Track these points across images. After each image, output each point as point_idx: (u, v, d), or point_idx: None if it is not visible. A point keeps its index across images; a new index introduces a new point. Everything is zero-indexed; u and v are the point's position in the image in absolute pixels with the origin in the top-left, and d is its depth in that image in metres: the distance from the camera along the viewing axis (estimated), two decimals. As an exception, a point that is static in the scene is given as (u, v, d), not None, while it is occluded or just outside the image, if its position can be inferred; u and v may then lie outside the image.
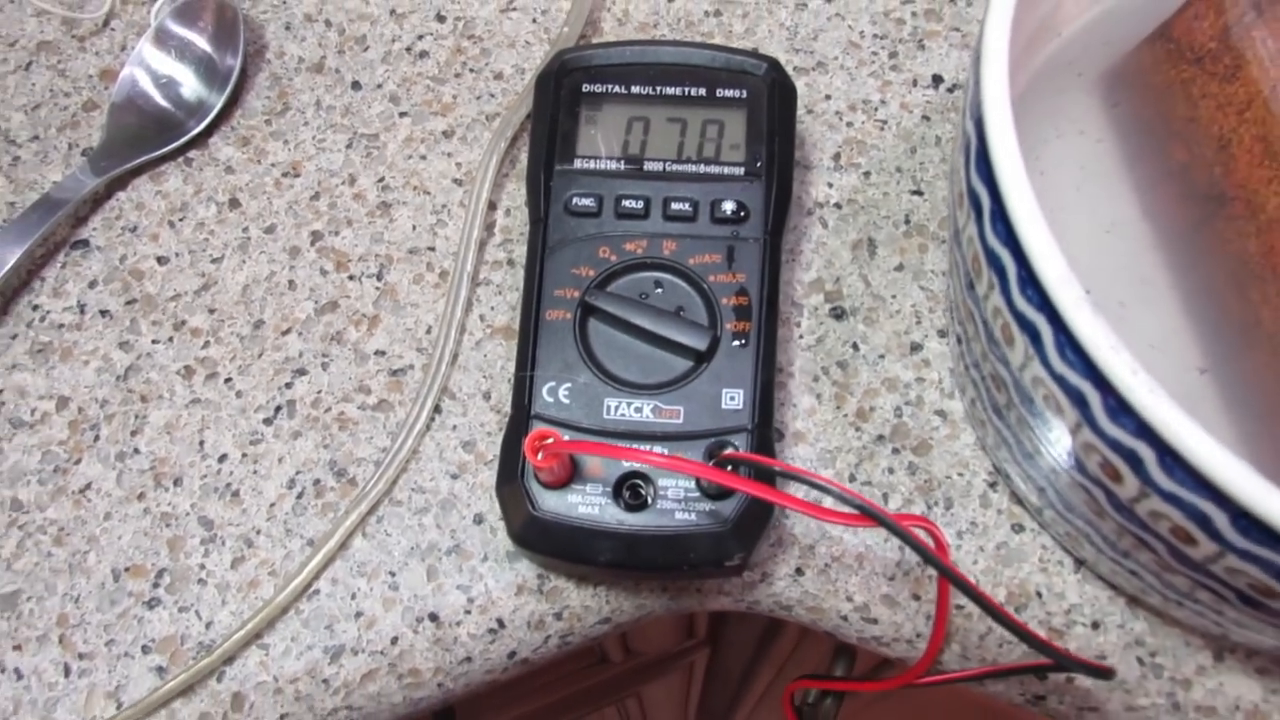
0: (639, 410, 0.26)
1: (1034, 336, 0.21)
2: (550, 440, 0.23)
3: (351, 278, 0.33)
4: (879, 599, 0.29)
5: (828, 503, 0.28)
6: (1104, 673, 0.23)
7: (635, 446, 0.25)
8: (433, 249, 0.33)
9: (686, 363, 0.27)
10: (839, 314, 0.32)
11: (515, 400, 0.27)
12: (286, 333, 0.32)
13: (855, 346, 0.31)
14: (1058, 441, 0.22)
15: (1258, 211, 0.26)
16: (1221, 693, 0.27)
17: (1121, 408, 0.19)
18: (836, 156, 0.34)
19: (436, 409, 0.31)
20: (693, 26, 0.36)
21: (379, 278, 0.33)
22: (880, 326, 0.31)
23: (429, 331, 0.32)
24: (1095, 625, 0.28)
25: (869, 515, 0.22)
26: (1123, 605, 0.28)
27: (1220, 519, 0.18)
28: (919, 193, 0.33)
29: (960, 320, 0.26)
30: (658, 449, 0.26)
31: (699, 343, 0.26)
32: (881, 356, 0.31)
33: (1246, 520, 0.18)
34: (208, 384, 0.31)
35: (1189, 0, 0.28)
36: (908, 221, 0.33)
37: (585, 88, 0.30)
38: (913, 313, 0.32)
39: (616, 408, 0.26)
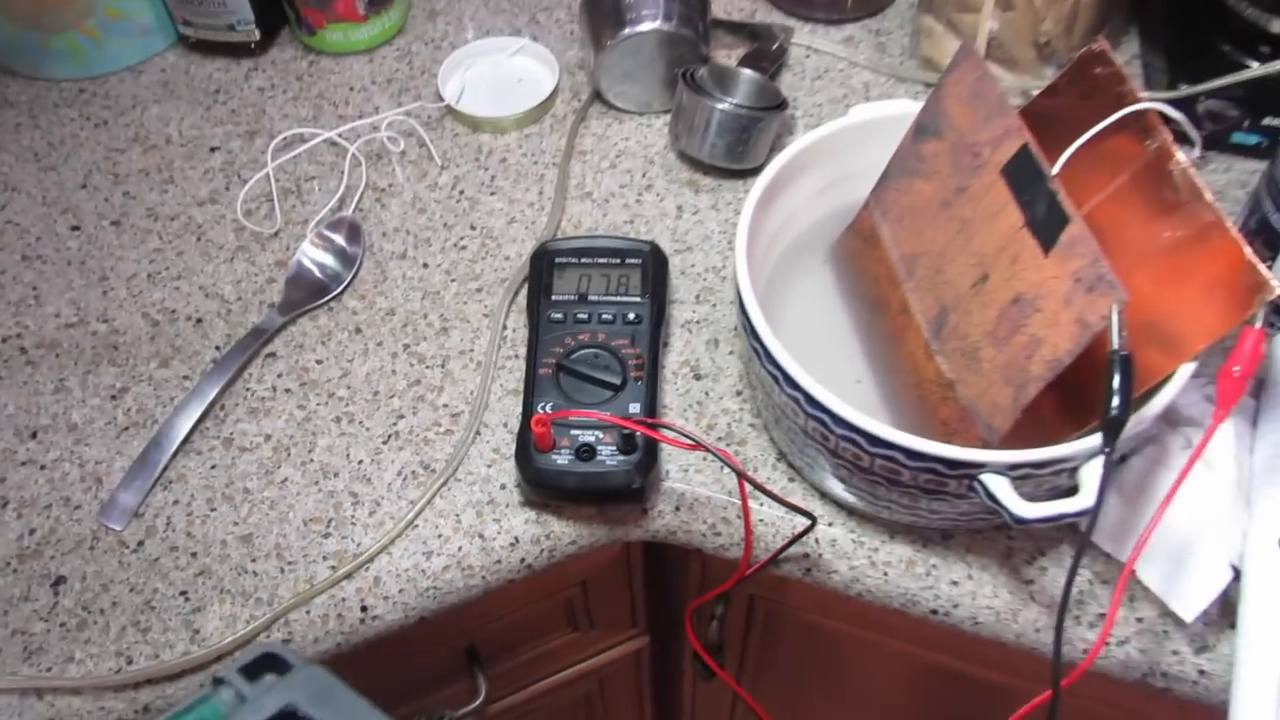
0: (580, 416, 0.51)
1: (776, 381, 0.46)
2: (544, 419, 0.48)
3: (428, 367, 0.59)
4: (719, 520, 0.53)
5: (681, 441, 0.53)
6: (812, 518, 0.48)
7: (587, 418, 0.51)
8: (472, 350, 0.59)
9: (610, 392, 0.52)
10: (697, 377, 0.58)
11: (524, 413, 0.52)
12: (392, 397, 0.57)
13: (706, 393, 0.57)
14: (794, 418, 0.47)
15: (888, 309, 0.53)
16: (893, 553, 0.51)
17: (810, 401, 0.44)
18: (697, 296, 0.61)
19: (478, 432, 0.56)
20: (617, 228, 0.64)
21: (443, 367, 0.59)
22: (719, 383, 0.57)
23: (472, 393, 0.57)
24: (830, 525, 0.52)
25: (701, 443, 0.47)
26: (837, 510, 0.52)
27: (839, 432, 0.44)
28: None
29: (753, 378, 0.52)
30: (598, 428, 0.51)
31: (617, 380, 0.52)
32: (720, 397, 0.57)
33: (849, 427, 0.43)
34: (350, 425, 0.56)
35: (860, 213, 0.56)
36: (735, 330, 0.60)
37: (557, 260, 0.57)
38: (737, 375, 0.58)
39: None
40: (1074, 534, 0.50)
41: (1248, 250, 0.41)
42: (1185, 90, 0.62)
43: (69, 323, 0.61)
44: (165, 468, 0.54)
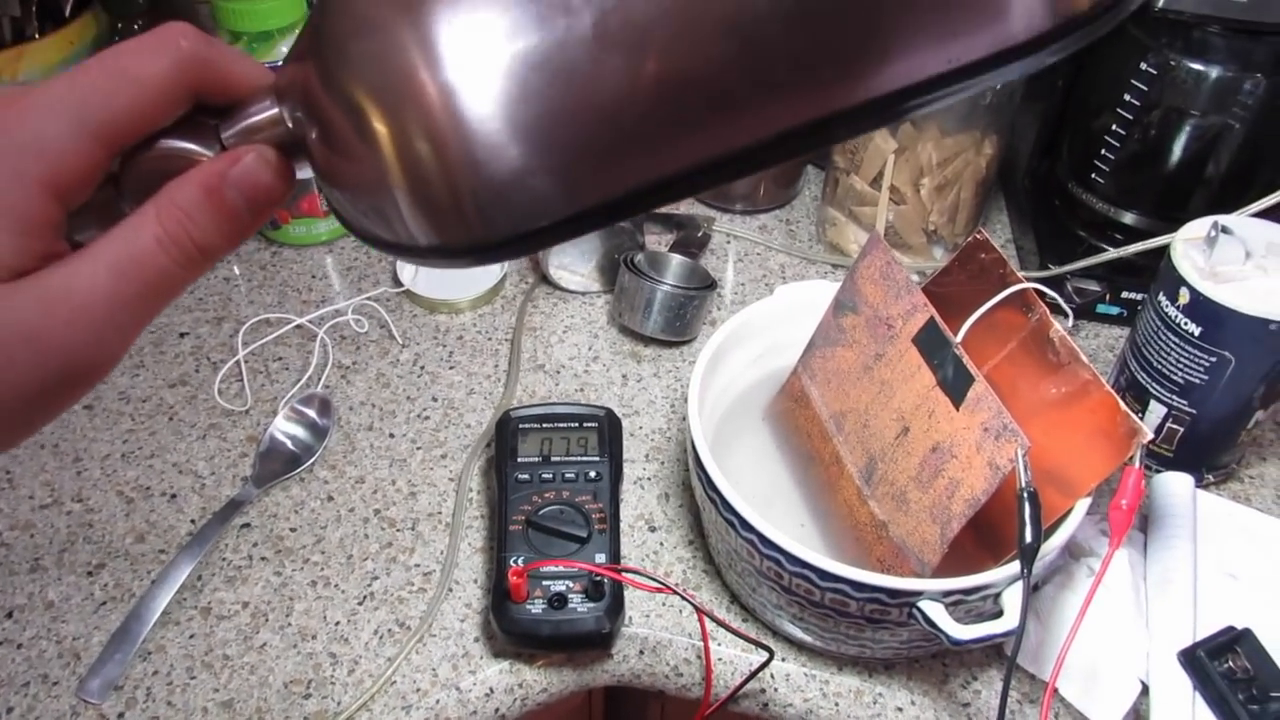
0: (556, 566, 0.55)
1: (733, 526, 0.51)
2: (520, 570, 0.52)
3: (399, 530, 0.62)
4: (680, 661, 0.57)
5: (648, 585, 0.57)
6: (771, 651, 0.52)
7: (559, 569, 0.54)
8: (440, 513, 0.63)
9: (577, 544, 0.56)
10: (652, 529, 0.62)
11: (497, 568, 0.56)
12: (365, 559, 0.60)
13: (661, 543, 0.62)
14: (750, 560, 0.52)
15: (822, 461, 0.59)
16: (843, 684, 0.55)
17: (764, 543, 0.49)
18: (646, 455, 0.66)
19: (449, 589, 0.59)
20: (569, 396, 0.70)
21: (413, 529, 0.62)
22: (672, 533, 0.62)
23: (442, 553, 0.61)
24: (783, 660, 0.56)
25: (666, 586, 0.51)
26: (788, 646, 0.57)
27: (791, 568, 0.49)
28: (688, 470, 0.66)
29: (707, 526, 0.56)
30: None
31: (583, 533, 0.56)
32: (675, 546, 0.61)
33: (802, 564, 0.48)
34: (325, 588, 0.59)
35: (790, 378, 0.63)
36: (685, 485, 0.65)
37: (520, 425, 0.62)
38: (688, 526, 0.62)
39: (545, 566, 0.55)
40: (1000, 659, 0.56)
41: (1122, 404, 0.49)
42: (1054, 270, 0.72)
43: (43, 504, 0.62)
44: (144, 639, 0.55)
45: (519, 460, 0.60)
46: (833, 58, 0.20)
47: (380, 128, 0.21)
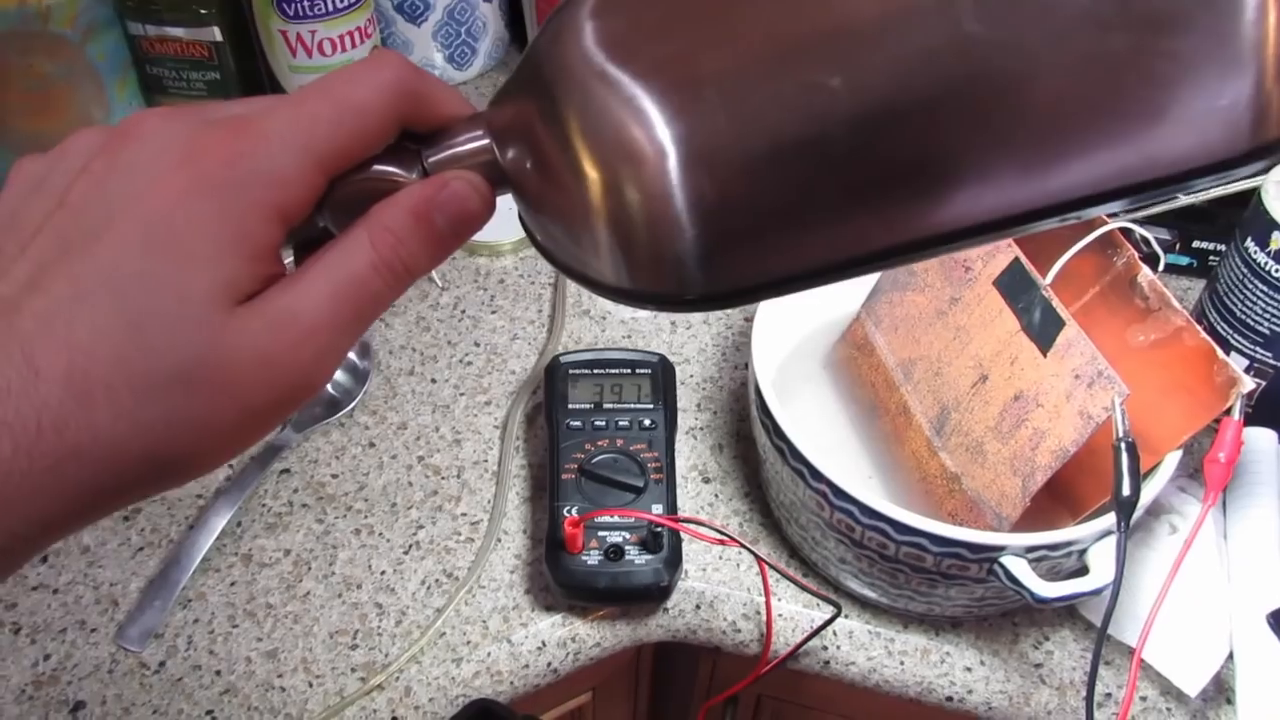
0: (610, 515, 0.52)
1: (801, 476, 0.49)
2: (576, 520, 0.49)
3: (443, 478, 0.59)
4: (739, 617, 0.54)
5: (709, 536, 0.54)
6: (838, 606, 0.49)
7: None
8: (486, 461, 0.60)
9: (632, 494, 0.54)
10: (706, 480, 0.60)
11: (550, 519, 0.53)
12: (410, 508, 0.58)
13: (716, 495, 0.59)
14: (818, 512, 0.49)
15: (887, 411, 0.56)
16: (908, 643, 0.53)
17: (836, 494, 0.47)
18: (698, 405, 0.63)
19: (498, 540, 0.56)
20: (615, 342, 0.67)
21: (458, 477, 0.59)
22: (727, 485, 0.59)
23: (489, 502, 0.58)
24: (846, 617, 0.54)
25: (729, 537, 0.48)
26: (852, 602, 0.54)
27: (858, 514, 0.46)
28: (744, 420, 0.63)
29: (769, 477, 0.54)
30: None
31: (639, 483, 0.53)
32: (730, 499, 0.59)
33: (871, 512, 0.45)
34: (369, 536, 0.56)
35: (852, 324, 0.60)
36: (740, 436, 0.62)
37: (571, 371, 0.59)
38: (744, 478, 0.60)
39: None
40: (1074, 619, 0.53)
41: (1219, 351, 0.45)
42: (1122, 220, 0.68)
43: (76, 443, 0.60)
44: (184, 587, 0.53)
45: (570, 407, 0.57)
46: (1050, 156, 0.21)
47: (594, 174, 0.22)
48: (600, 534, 0.51)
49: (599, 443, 0.55)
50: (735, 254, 0.22)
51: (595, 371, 0.59)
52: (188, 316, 0.22)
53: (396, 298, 0.25)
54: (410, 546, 0.56)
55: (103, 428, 0.21)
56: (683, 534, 0.52)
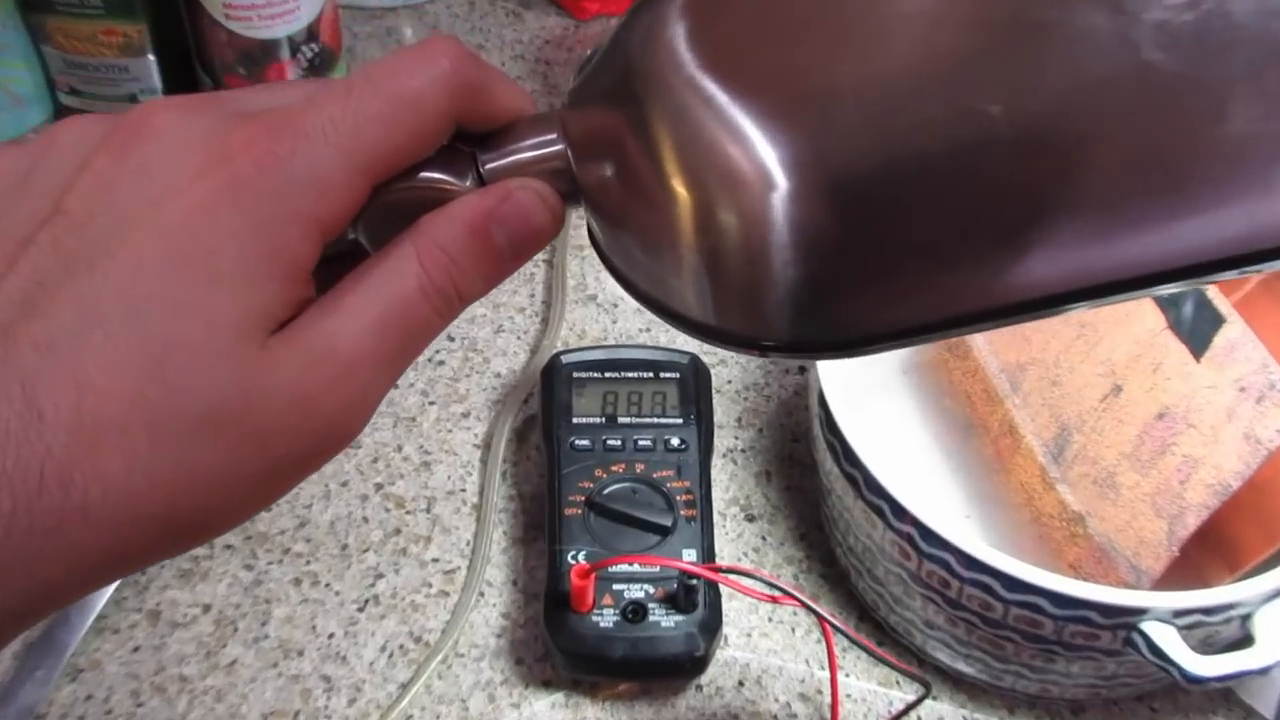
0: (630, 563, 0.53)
1: (881, 515, 0.49)
2: (585, 569, 0.50)
3: (409, 513, 0.60)
4: (795, 697, 0.55)
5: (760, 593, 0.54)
6: (926, 685, 0.50)
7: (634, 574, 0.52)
8: (464, 490, 0.61)
9: (657, 536, 0.54)
10: (750, 517, 0.60)
11: (550, 567, 0.53)
12: (366, 551, 0.58)
13: (764, 538, 0.59)
14: (901, 563, 0.50)
15: (987, 430, 0.57)
16: (1015, 732, 0.53)
17: (927, 537, 0.47)
18: (738, 420, 0.64)
19: (480, 593, 0.57)
20: (630, 337, 0.67)
21: (428, 511, 0.60)
22: (778, 525, 0.60)
23: (468, 544, 0.59)
24: (935, 698, 0.54)
25: (788, 593, 0.49)
26: (943, 679, 0.54)
27: (956, 564, 0.46)
28: (796, 440, 0.63)
29: (834, 514, 0.54)
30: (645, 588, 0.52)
31: (665, 521, 0.54)
32: (782, 543, 0.59)
33: (971, 561, 0.46)
34: (314, 588, 0.57)
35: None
36: (792, 460, 0.62)
37: (575, 375, 0.59)
38: (799, 515, 0.60)
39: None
40: (1229, 703, 0.53)
41: None
42: None
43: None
44: (73, 652, 0.53)
45: (575, 421, 0.57)
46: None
47: (691, 199, 0.24)
48: (615, 587, 0.52)
49: (613, 468, 0.56)
50: (848, 300, 0.24)
51: (607, 375, 0.59)
52: (216, 349, 0.23)
53: (444, 328, 0.27)
54: (366, 602, 0.56)
55: (114, 481, 0.22)
56: (722, 587, 0.52)
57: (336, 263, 0.26)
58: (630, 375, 0.59)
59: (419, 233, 0.26)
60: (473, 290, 0.27)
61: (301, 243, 0.24)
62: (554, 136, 0.27)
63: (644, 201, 0.25)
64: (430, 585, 0.57)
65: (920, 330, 0.24)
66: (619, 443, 0.57)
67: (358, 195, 0.25)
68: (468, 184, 0.27)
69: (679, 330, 0.28)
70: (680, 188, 0.24)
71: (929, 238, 0.23)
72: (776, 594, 0.48)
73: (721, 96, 0.23)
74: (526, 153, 0.27)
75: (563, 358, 0.60)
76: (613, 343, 0.66)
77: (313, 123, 0.24)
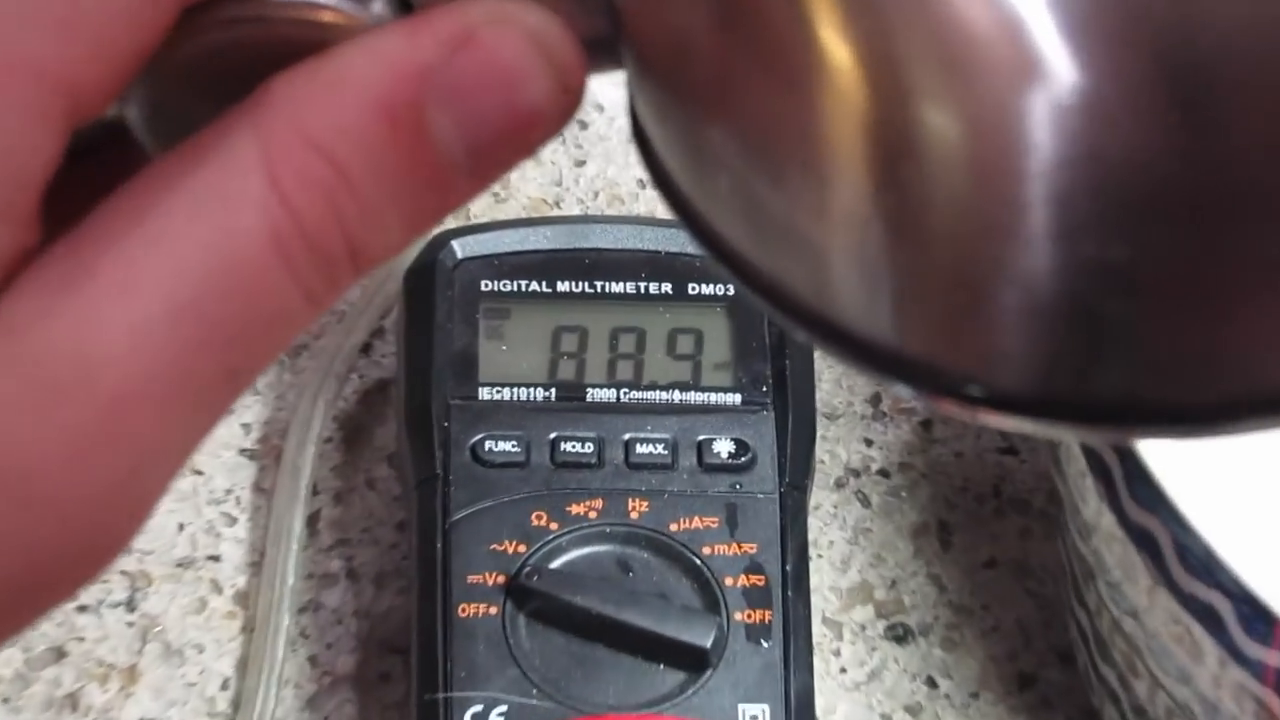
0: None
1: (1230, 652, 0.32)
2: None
3: (83, 609, 0.41)
4: None
5: None
6: None
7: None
8: (217, 558, 0.43)
9: (680, 672, 0.35)
10: (900, 636, 0.41)
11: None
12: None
13: (932, 683, 0.41)
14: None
15: None
16: None
17: None
18: (876, 399, 0.43)
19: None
20: (620, 204, 0.47)
21: (130, 607, 0.41)
22: (969, 651, 0.40)
23: (225, 687, 0.39)
24: None
25: None
26: None
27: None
28: (1012, 450, 0.42)
29: (1086, 628, 0.36)
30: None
31: (698, 639, 0.35)
32: (974, 695, 0.40)
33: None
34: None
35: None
36: (998, 494, 0.42)
37: (485, 285, 0.41)
38: (1017, 628, 0.40)
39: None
40: None
41: None
42: None
43: None
44: None
45: (481, 395, 0.41)
46: None
47: (892, 88, 0.19)
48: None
49: (571, 508, 0.39)
50: (1223, 325, 0.19)
51: (560, 288, 0.43)
52: None
53: (316, 316, 0.21)
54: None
55: None
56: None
57: (84, 173, 0.21)
58: (617, 289, 0.43)
59: (270, 113, 0.20)
60: (380, 240, 0.21)
61: (25, 131, 0.20)
62: None
63: (778, 79, 0.20)
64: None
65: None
66: (590, 449, 0.40)
67: (145, 27, 0.20)
68: (376, 8, 0.22)
69: (794, 333, 0.22)
70: (872, 63, 0.19)
71: None
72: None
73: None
74: None
75: (461, 243, 0.43)
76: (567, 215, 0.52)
77: None
